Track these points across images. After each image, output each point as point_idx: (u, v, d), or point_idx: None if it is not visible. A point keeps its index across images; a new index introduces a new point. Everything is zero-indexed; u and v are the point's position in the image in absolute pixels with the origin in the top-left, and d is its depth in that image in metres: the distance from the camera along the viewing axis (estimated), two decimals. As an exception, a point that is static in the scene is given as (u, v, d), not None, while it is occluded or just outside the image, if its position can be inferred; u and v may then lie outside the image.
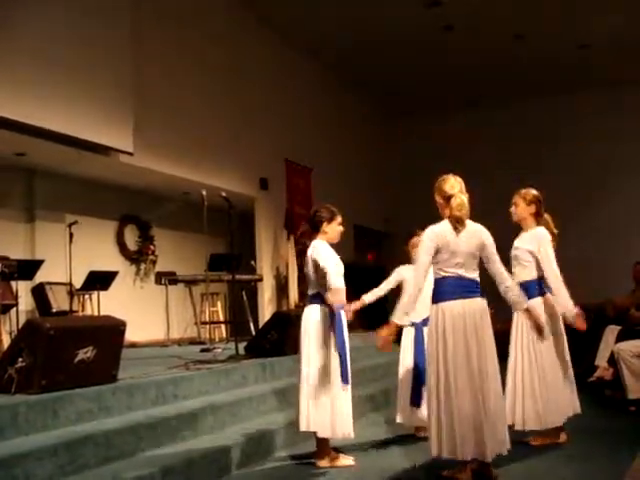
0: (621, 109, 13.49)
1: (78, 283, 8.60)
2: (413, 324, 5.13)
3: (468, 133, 14.54)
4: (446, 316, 3.93)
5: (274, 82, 11.25)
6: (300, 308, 4.78)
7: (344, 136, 13.66)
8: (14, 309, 7.51)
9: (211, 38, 9.76)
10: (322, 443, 4.50)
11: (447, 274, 3.98)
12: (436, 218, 4.11)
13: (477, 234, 4.06)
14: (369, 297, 5.14)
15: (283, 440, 4.95)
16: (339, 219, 4.63)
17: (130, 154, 8.03)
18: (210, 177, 9.42)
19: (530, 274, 4.88)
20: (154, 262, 11.02)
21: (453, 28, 11.08)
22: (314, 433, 4.47)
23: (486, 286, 4.11)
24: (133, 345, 8.46)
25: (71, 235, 8.36)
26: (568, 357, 4.92)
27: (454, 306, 3.93)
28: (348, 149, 13.77)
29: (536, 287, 4.86)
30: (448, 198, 4.03)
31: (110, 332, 4.65)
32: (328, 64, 12.70)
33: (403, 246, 5.40)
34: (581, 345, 6.15)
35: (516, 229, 5.06)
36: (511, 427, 4.60)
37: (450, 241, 3.97)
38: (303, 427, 4.43)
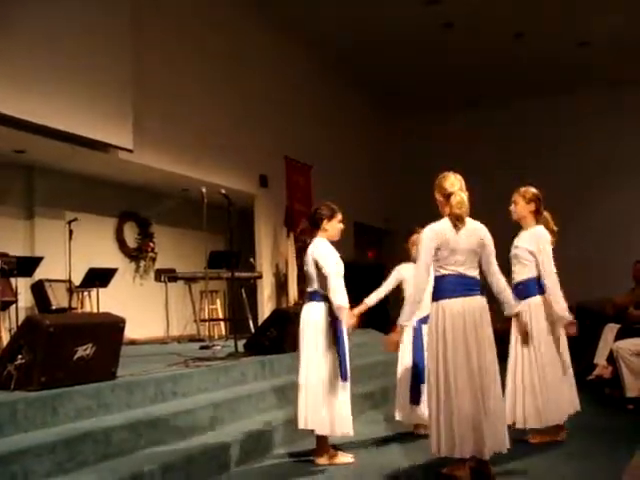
0: (621, 109, 13.49)
1: (77, 280, 8.60)
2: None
3: (468, 132, 14.54)
4: (446, 314, 3.93)
5: (274, 71, 11.21)
6: (299, 306, 4.77)
7: (344, 134, 13.65)
8: (13, 306, 7.52)
9: (211, 26, 9.74)
10: (321, 440, 4.51)
11: (447, 272, 3.98)
12: (436, 216, 4.10)
13: (477, 232, 4.06)
14: (371, 300, 5.15)
15: (282, 437, 4.96)
16: (339, 217, 4.64)
17: (130, 151, 8.02)
18: (210, 174, 9.41)
19: (530, 273, 4.89)
20: (153, 259, 11.02)
21: (453, 25, 11.06)
22: (312, 430, 4.47)
23: (486, 284, 4.12)
24: (132, 342, 8.46)
25: (70, 232, 8.36)
26: (568, 355, 4.93)
27: (454, 304, 3.93)
28: (348, 147, 13.76)
29: (536, 286, 4.87)
30: (448, 196, 4.03)
31: (109, 329, 4.65)
32: (328, 60, 12.68)
33: (403, 243, 5.42)
34: (580, 343, 6.16)
35: (516, 228, 5.06)
36: (512, 426, 4.62)
37: (450, 239, 3.97)
38: (301, 425, 4.44)
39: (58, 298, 8.41)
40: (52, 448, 3.57)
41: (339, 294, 4.36)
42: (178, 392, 4.94)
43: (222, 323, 10.33)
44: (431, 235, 4.00)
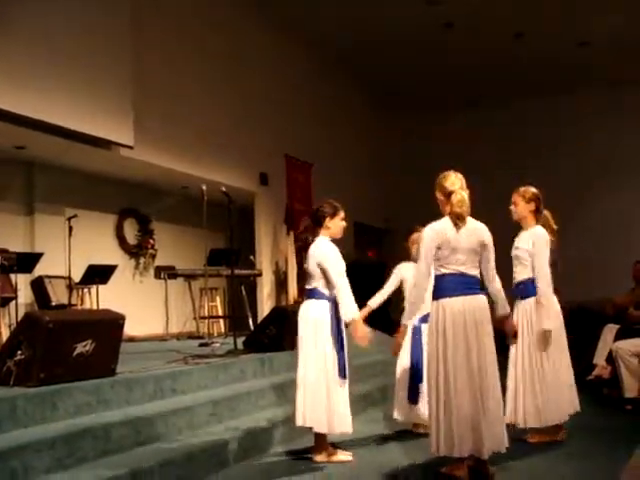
0: (621, 109, 13.48)
1: (77, 276, 8.59)
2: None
3: (468, 132, 14.53)
4: (446, 313, 3.93)
5: (274, 70, 11.20)
6: (299, 303, 4.78)
7: (344, 133, 13.64)
8: (13, 302, 7.52)
9: (211, 25, 9.73)
10: (320, 438, 4.51)
11: (448, 271, 3.98)
12: (436, 215, 4.11)
13: (477, 232, 4.06)
14: (375, 301, 5.18)
15: (281, 435, 4.96)
16: (342, 214, 4.64)
17: (130, 147, 8.02)
18: (210, 172, 9.41)
19: (530, 273, 4.89)
20: (153, 256, 11.01)
21: (453, 25, 11.05)
22: (311, 428, 4.47)
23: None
24: (132, 339, 8.46)
25: (70, 228, 8.37)
26: (568, 355, 4.93)
27: (454, 303, 3.93)
28: (348, 146, 13.75)
29: (537, 285, 4.86)
30: (449, 195, 4.03)
31: (109, 326, 4.65)
32: (328, 60, 12.67)
33: (403, 243, 5.42)
34: (580, 344, 6.17)
35: (516, 228, 5.07)
36: (512, 426, 4.62)
37: (451, 238, 3.97)
38: (299, 422, 4.44)
39: (58, 294, 8.41)
40: (51, 444, 3.57)
41: (351, 306, 4.37)
42: (177, 389, 4.95)
43: (221, 320, 10.34)
44: (432, 234, 4.01)
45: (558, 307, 4.93)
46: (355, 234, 13.06)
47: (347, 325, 4.47)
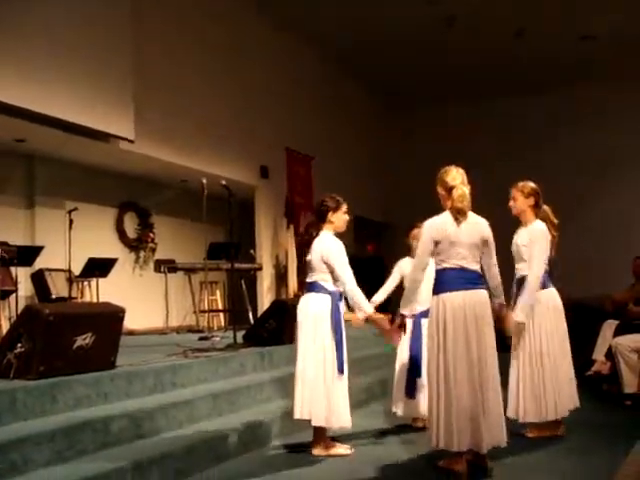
0: (621, 105, 13.44)
1: (77, 270, 8.60)
2: (412, 315, 5.14)
3: (468, 126, 14.50)
4: (447, 307, 3.93)
5: (274, 63, 11.19)
6: (299, 297, 4.78)
7: (344, 127, 13.62)
8: (13, 295, 7.52)
9: (211, 17, 9.71)
10: (318, 432, 4.51)
11: (449, 265, 3.98)
12: (436, 210, 4.11)
13: (478, 227, 4.06)
14: (379, 297, 5.20)
15: (280, 428, 4.97)
16: (344, 208, 4.64)
17: (131, 141, 8.01)
18: (210, 165, 9.40)
19: (530, 268, 4.88)
20: (153, 250, 11.01)
21: (454, 22, 11.01)
22: (310, 421, 4.47)
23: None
24: (132, 332, 8.47)
25: (71, 221, 8.36)
26: (569, 351, 4.93)
27: (455, 297, 3.93)
28: (348, 140, 13.73)
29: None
30: (450, 189, 4.03)
31: (109, 319, 4.65)
32: (328, 57, 12.64)
33: (403, 237, 5.42)
34: (579, 339, 6.16)
35: (516, 222, 5.06)
36: (513, 420, 4.63)
37: (451, 233, 3.97)
38: (297, 415, 4.44)
39: (58, 287, 8.42)
40: (51, 437, 3.57)
41: (364, 302, 4.44)
42: (177, 382, 4.95)
43: (221, 314, 10.35)
44: (431, 229, 4.02)
45: (559, 302, 4.91)
46: (355, 228, 13.05)
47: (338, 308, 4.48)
